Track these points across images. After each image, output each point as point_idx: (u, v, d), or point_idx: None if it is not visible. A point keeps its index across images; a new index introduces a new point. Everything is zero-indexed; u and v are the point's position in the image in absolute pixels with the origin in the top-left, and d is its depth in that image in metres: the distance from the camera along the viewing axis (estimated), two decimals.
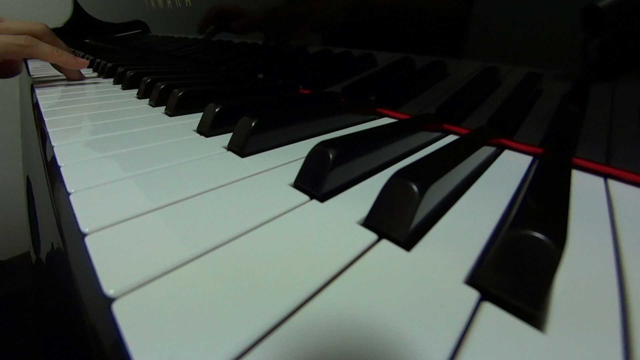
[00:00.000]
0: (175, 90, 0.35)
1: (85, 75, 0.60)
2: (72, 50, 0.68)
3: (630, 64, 0.20)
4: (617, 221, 0.17)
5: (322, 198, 0.18)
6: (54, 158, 0.22)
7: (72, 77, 0.56)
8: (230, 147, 0.25)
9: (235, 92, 0.41)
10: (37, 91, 0.46)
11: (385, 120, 0.35)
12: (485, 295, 0.12)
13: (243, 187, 0.19)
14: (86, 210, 0.16)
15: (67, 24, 1.30)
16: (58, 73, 0.60)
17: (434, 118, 0.30)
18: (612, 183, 0.22)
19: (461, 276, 0.13)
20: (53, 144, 0.25)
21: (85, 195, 0.17)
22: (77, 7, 1.32)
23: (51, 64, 0.54)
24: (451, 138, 0.30)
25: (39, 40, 0.49)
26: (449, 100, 0.31)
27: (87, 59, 0.67)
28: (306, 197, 0.18)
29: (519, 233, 0.11)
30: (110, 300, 0.11)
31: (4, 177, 1.23)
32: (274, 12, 0.46)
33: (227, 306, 0.11)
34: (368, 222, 0.15)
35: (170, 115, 0.34)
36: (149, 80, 0.42)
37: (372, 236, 0.15)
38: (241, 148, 0.24)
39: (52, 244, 0.17)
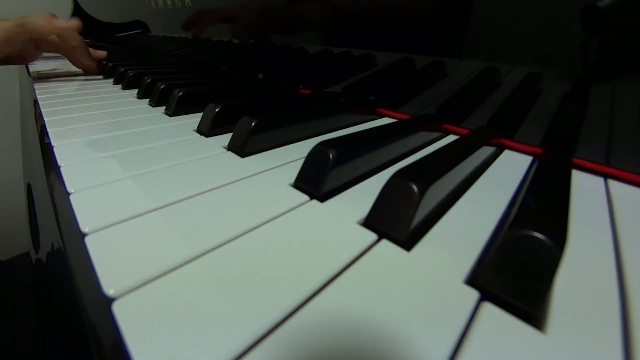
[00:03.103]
0: (175, 90, 0.35)
1: (85, 75, 0.61)
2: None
3: (630, 64, 0.20)
4: (617, 221, 0.17)
5: (322, 198, 0.18)
6: (54, 158, 0.22)
7: (87, 70, 0.59)
8: (231, 147, 0.25)
9: (235, 92, 0.41)
10: (37, 91, 0.46)
11: (385, 120, 0.35)
12: (486, 295, 0.12)
13: (243, 187, 0.19)
14: (86, 210, 0.16)
15: None
16: (58, 73, 0.61)
17: (433, 118, 0.30)
18: (612, 183, 0.22)
19: (461, 276, 0.13)
20: (53, 144, 0.25)
21: (85, 195, 0.17)
22: (77, 7, 1.32)
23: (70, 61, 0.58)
24: (451, 138, 0.30)
25: (29, 16, 0.50)
26: (449, 100, 0.31)
27: None
28: (306, 197, 0.18)
29: (519, 233, 0.11)
30: (110, 300, 0.11)
31: (4, 177, 1.23)
32: (274, 11, 0.46)
33: (228, 306, 0.11)
34: (368, 222, 0.15)
35: (170, 115, 0.34)
36: (149, 80, 0.42)
37: (372, 236, 0.15)
38: (241, 148, 0.24)
39: (52, 244, 0.17)
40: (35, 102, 0.41)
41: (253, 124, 0.24)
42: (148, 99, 0.41)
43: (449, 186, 0.18)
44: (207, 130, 0.28)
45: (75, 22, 0.55)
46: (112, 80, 0.56)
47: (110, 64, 0.60)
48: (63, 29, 0.54)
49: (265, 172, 0.21)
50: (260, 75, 0.54)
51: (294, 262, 0.13)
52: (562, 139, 0.24)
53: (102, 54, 0.66)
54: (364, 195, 0.18)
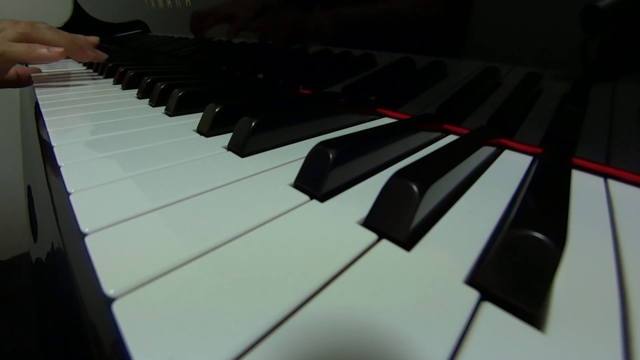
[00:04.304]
0: (175, 90, 0.35)
1: (86, 75, 0.61)
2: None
3: (630, 64, 0.20)
4: (617, 221, 0.17)
5: (322, 198, 0.18)
6: (54, 158, 0.22)
7: (84, 60, 0.56)
8: (231, 147, 0.25)
9: (235, 92, 0.41)
10: (37, 91, 0.46)
11: (385, 120, 0.35)
12: (486, 295, 0.12)
13: (243, 187, 0.19)
14: (86, 210, 0.16)
15: (67, 24, 1.30)
16: (58, 73, 0.61)
17: (433, 118, 0.30)
18: (612, 183, 0.22)
19: (461, 276, 0.13)
20: (53, 144, 0.25)
21: (85, 195, 0.17)
22: (77, 7, 1.32)
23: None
24: (451, 138, 0.30)
25: (11, 42, 0.47)
26: (449, 100, 0.31)
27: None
28: (306, 197, 0.18)
29: (519, 233, 0.11)
30: (110, 300, 0.11)
31: (4, 177, 1.23)
32: (272, 14, 0.46)
33: (228, 306, 0.11)
34: (368, 222, 0.15)
35: (170, 115, 0.34)
36: (149, 80, 0.42)
37: (372, 236, 0.15)
38: (241, 148, 0.24)
39: (52, 244, 0.17)
40: (36, 103, 0.41)
41: (253, 124, 0.24)
42: (148, 99, 0.41)
43: (449, 186, 0.18)
44: (207, 130, 0.28)
45: (58, 54, 0.50)
46: (112, 80, 0.56)
47: (110, 64, 0.60)
48: (43, 57, 0.49)
49: (265, 172, 0.21)
50: (260, 75, 0.54)
51: (294, 262, 0.13)
52: (562, 139, 0.24)
53: (103, 56, 0.65)
54: (364, 195, 0.18)
